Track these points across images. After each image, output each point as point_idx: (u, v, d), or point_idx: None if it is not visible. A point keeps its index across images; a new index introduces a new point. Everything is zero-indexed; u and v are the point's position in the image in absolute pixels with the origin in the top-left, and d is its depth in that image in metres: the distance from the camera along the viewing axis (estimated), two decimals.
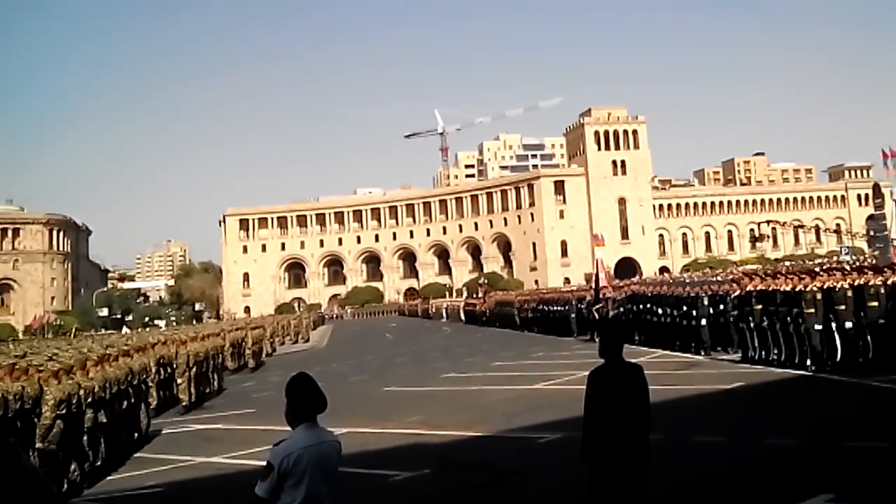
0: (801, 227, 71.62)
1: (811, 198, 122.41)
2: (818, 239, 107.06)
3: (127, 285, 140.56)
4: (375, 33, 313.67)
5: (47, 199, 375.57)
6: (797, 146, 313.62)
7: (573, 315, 27.97)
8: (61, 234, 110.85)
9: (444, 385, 17.56)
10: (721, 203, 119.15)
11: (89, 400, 10.14)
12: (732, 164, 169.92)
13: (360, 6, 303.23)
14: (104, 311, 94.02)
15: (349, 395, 16.99)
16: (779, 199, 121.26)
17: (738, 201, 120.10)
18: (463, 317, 51.04)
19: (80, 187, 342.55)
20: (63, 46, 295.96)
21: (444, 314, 60.66)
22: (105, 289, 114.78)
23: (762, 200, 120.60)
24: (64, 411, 9.26)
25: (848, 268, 16.48)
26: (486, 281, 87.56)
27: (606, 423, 4.97)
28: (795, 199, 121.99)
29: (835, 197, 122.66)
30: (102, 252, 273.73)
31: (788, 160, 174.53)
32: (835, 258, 54.85)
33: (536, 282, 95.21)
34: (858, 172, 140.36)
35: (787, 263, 57.91)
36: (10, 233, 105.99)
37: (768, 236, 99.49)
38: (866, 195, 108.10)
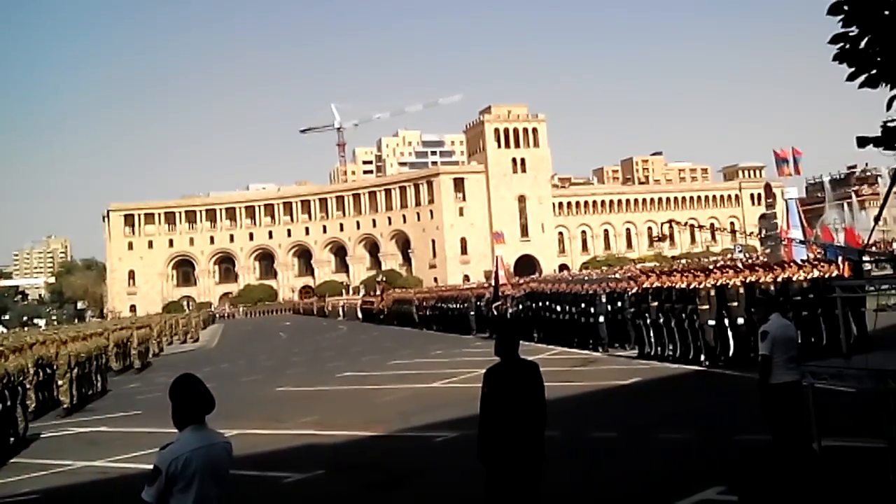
0: (700, 227, 74.32)
1: (707, 197, 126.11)
2: (713, 237, 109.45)
3: (3, 283, 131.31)
4: (271, 25, 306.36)
5: None
6: (694, 146, 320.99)
7: (472, 313, 28.16)
8: None
9: (340, 384, 17.41)
10: (620, 201, 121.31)
11: None
12: (631, 163, 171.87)
13: None
14: None
15: (240, 395, 16.60)
16: (676, 198, 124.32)
17: (636, 200, 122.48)
18: (360, 315, 50.73)
19: None
20: None
21: (341, 312, 60.10)
22: None
23: (660, 199, 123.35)
24: None
25: (741, 265, 17.04)
26: (384, 278, 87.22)
27: (501, 421, 4.98)
28: (692, 197, 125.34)
29: (729, 196, 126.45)
30: None
31: (685, 160, 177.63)
32: (729, 256, 56.58)
33: (436, 279, 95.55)
34: (751, 173, 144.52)
35: (683, 261, 60.07)
36: None
37: (667, 236, 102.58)
38: (759, 195, 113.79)
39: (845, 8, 4.09)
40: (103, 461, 10.83)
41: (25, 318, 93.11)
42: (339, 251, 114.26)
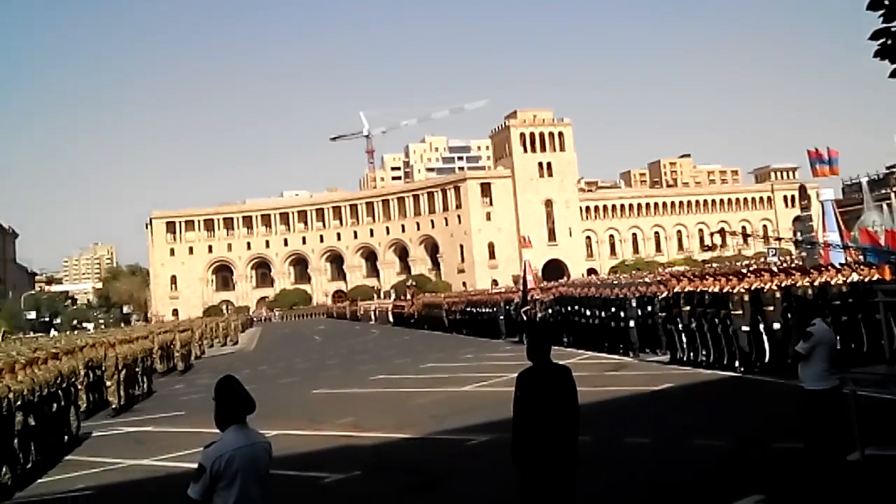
0: (750, 234, 71.58)
1: (738, 199, 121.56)
2: (745, 241, 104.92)
3: (55, 288, 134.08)
4: (300, 35, 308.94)
5: None
6: (723, 148, 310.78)
7: (502, 317, 27.81)
8: None
9: (374, 387, 17.41)
10: (648, 205, 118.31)
11: (18, 403, 9.75)
12: (659, 166, 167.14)
13: (286, 8, 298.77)
14: (32, 314, 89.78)
15: (278, 397, 16.67)
16: (705, 201, 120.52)
17: (664, 203, 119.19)
18: (391, 319, 50.74)
19: (6, 190, 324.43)
20: None
21: (373, 316, 60.26)
22: (33, 292, 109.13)
23: (689, 202, 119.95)
24: None
25: (776, 269, 16.45)
26: (413, 283, 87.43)
27: (535, 424, 4.91)
28: (722, 200, 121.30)
29: (761, 198, 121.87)
30: (30, 255, 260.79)
31: (714, 162, 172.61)
32: (762, 259, 54.40)
33: (464, 284, 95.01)
34: (784, 174, 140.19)
35: (715, 265, 58.74)
36: None
37: (717, 245, 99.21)
38: (792, 196, 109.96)
39: (886, 3, 3.85)
40: (150, 460, 11.01)
41: (75, 322, 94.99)
42: (370, 256, 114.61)
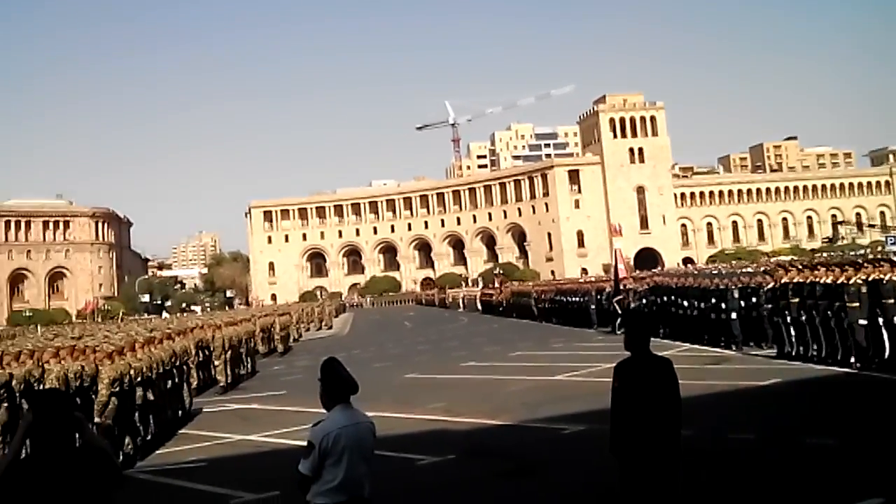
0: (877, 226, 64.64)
1: (851, 184, 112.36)
2: (860, 228, 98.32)
3: (165, 273, 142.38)
4: (386, 25, 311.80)
5: (93, 193, 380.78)
6: (833, 129, 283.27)
7: (593, 306, 27.18)
8: (106, 225, 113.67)
9: (465, 373, 17.48)
10: (749, 191, 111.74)
11: (139, 379, 10.39)
12: (761, 150, 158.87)
13: (370, 1, 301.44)
14: (146, 298, 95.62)
15: (372, 380, 16.83)
16: (814, 186, 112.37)
17: (768, 189, 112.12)
18: (479, 307, 50.78)
19: (122, 183, 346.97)
20: (100, 48, 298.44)
21: (461, 304, 60.53)
22: (146, 276, 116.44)
23: (795, 188, 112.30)
24: (117, 389, 9.55)
25: None
26: (501, 271, 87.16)
27: (635, 416, 4.79)
28: (833, 185, 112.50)
29: (878, 183, 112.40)
30: (142, 242, 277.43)
31: (824, 144, 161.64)
32: (879, 249, 50.86)
33: (553, 272, 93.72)
34: None
35: (826, 255, 55.65)
36: (61, 225, 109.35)
37: (851, 225, 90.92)
38: None
39: None
40: (256, 435, 11.48)
41: (183, 305, 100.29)
42: (457, 244, 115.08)
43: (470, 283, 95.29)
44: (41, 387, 9.21)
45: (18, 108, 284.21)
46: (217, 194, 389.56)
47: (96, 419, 9.10)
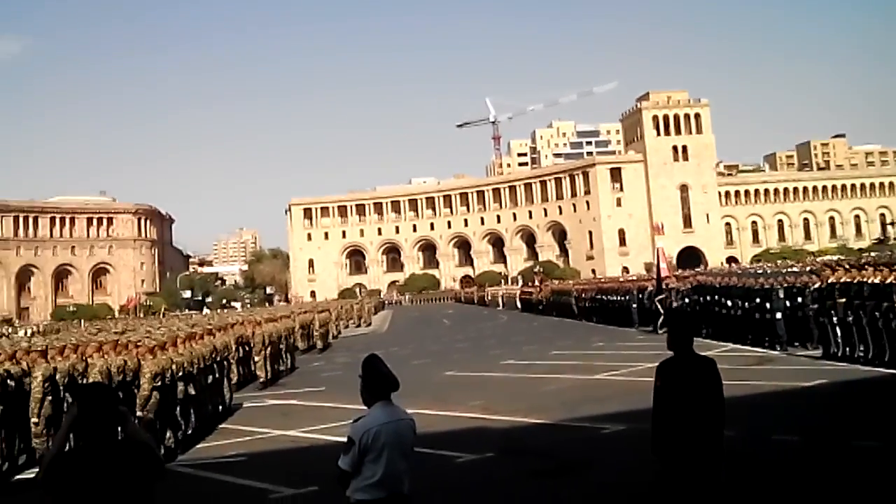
0: None
1: None
2: None
3: (206, 270, 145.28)
4: (428, 23, 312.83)
5: (135, 190, 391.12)
6: (883, 127, 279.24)
7: (634, 305, 26.89)
8: (148, 222, 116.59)
9: (504, 371, 17.43)
10: (796, 189, 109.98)
11: (180, 374, 10.56)
12: (808, 148, 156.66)
13: None
14: (187, 293, 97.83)
15: (411, 377, 16.86)
16: (862, 185, 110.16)
17: (814, 187, 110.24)
18: (519, 305, 50.58)
19: (165, 180, 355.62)
20: (145, 47, 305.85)
21: (500, 302, 60.34)
22: (187, 273, 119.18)
23: (843, 186, 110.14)
24: (159, 383, 9.72)
25: None
26: (541, 269, 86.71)
27: (678, 417, 4.74)
28: (882, 184, 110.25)
29: None
30: (183, 239, 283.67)
31: (873, 142, 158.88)
32: None
33: (593, 271, 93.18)
34: None
35: (873, 254, 54.17)
36: (104, 221, 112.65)
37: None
38: None
39: None
40: (296, 431, 11.61)
41: (224, 301, 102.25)
42: (497, 242, 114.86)
43: (509, 282, 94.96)
44: (85, 381, 9.42)
45: (65, 107, 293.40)
46: (257, 192, 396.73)
47: (138, 413, 9.28)
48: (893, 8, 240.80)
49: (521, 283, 78.75)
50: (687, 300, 22.06)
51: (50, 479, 3.28)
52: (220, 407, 13.33)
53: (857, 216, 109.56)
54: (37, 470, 8.12)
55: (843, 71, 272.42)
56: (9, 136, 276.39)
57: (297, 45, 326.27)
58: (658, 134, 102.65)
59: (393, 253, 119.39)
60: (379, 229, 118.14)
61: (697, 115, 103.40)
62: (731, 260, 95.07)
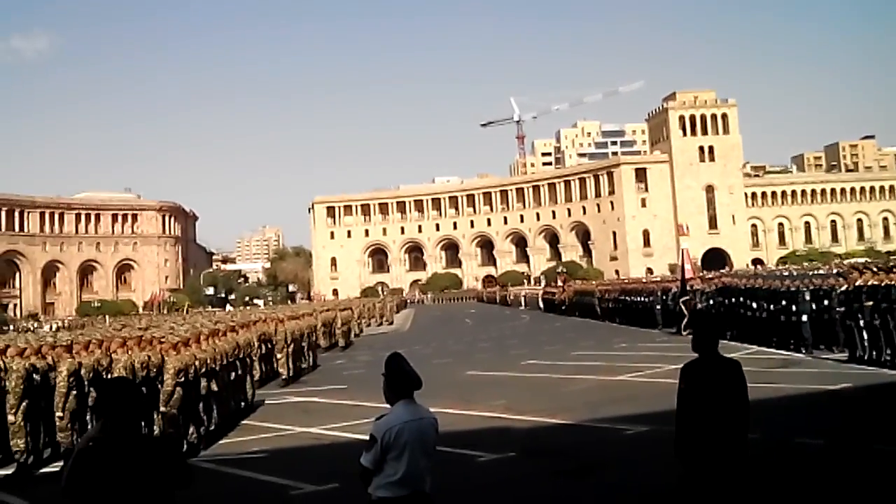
0: None
1: None
2: None
3: (229, 267, 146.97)
4: (452, 22, 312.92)
5: (160, 187, 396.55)
6: None
7: (658, 306, 26.74)
8: (172, 219, 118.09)
9: (526, 372, 17.40)
10: (823, 191, 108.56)
11: (203, 370, 10.68)
12: (836, 149, 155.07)
13: None
14: (210, 290, 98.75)
15: (433, 377, 16.91)
16: (891, 187, 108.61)
17: (843, 189, 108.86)
18: (541, 305, 50.38)
19: (189, 178, 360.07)
20: (178, 49, 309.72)
21: (523, 302, 60.18)
22: (210, 270, 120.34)
23: (872, 188, 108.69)
24: (182, 379, 9.84)
25: None
26: (564, 269, 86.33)
27: (702, 419, 4.73)
28: None
29: None
30: (207, 236, 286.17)
31: None
32: None
33: (617, 272, 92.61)
34: None
35: None
36: (129, 218, 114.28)
37: None
38: None
39: None
40: (317, 428, 11.70)
41: (247, 298, 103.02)
42: (520, 242, 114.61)
43: (532, 282, 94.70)
44: (109, 376, 9.56)
45: (91, 104, 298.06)
46: (281, 190, 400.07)
47: (161, 408, 9.40)
48: None
49: (543, 283, 78.40)
50: (712, 302, 21.93)
51: (78, 469, 3.33)
52: (243, 403, 13.46)
53: (885, 218, 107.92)
54: (61, 464, 8.27)
55: (872, 71, 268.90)
56: (36, 132, 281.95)
57: (322, 44, 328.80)
58: (684, 134, 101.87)
59: (415, 252, 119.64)
60: (402, 228, 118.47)
61: (725, 116, 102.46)
62: (756, 262, 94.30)
